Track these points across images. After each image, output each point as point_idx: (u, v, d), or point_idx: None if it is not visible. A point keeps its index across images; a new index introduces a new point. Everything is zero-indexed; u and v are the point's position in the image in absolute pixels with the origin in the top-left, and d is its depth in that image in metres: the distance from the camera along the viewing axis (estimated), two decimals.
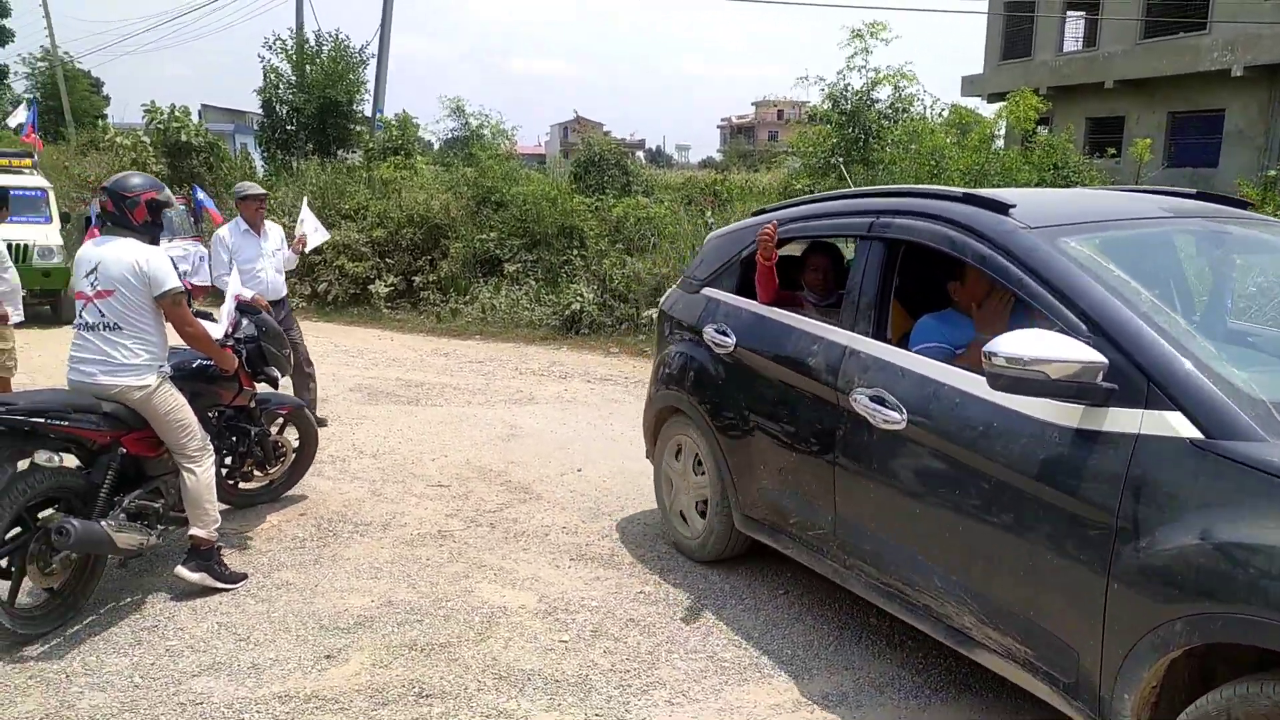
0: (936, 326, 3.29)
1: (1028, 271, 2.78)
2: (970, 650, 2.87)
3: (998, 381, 2.48)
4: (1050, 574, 2.52)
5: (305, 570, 4.22)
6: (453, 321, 11.80)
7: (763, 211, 4.39)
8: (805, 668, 3.40)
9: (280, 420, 5.04)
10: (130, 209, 3.83)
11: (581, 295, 11.00)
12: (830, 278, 4.15)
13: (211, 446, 4.05)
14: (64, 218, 12.47)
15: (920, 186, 3.53)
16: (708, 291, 4.31)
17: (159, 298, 3.78)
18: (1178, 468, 2.26)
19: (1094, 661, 2.41)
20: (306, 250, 6.74)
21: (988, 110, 17.38)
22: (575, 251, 12.04)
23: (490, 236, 12.60)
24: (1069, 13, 24.26)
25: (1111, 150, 16.87)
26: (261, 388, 4.82)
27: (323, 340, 10.13)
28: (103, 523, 3.58)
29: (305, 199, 7.59)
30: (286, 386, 5.63)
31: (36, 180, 12.27)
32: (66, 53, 38.42)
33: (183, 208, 12.99)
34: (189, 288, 4.83)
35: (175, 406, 3.85)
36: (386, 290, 12.66)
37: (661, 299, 4.97)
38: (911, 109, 14.14)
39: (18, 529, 3.52)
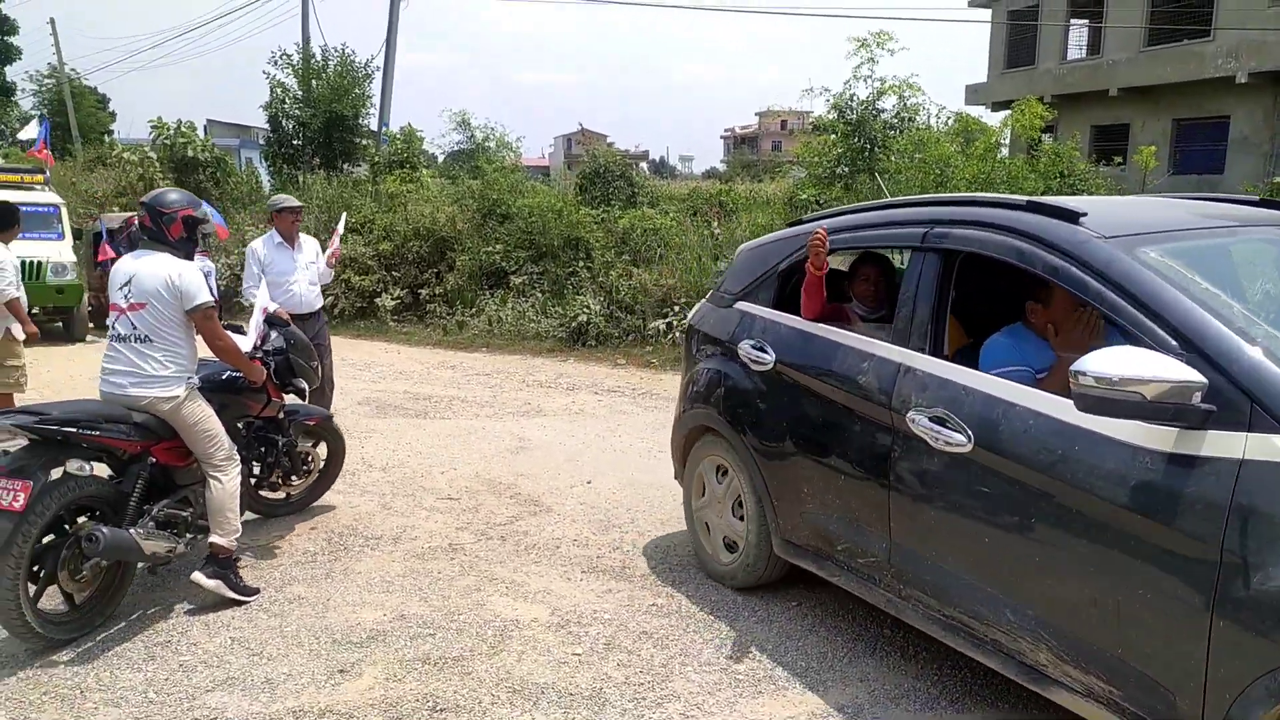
0: (1013, 346, 3.09)
1: (1108, 284, 2.61)
2: (1045, 688, 2.70)
3: (1085, 402, 2.32)
4: (1142, 609, 2.36)
5: (317, 584, 4.22)
6: (459, 334, 11.82)
7: (799, 222, 4.23)
8: (820, 680, 3.39)
9: (308, 431, 5.11)
10: (167, 225, 3.93)
11: (588, 307, 11.01)
12: (881, 289, 3.98)
13: (238, 457, 4.13)
14: (75, 234, 12.50)
15: (978, 195, 3.36)
16: (742, 306, 4.13)
17: (190, 311, 3.87)
18: None
19: (1194, 704, 2.26)
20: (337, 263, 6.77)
21: (992, 119, 17.40)
22: (581, 263, 12.07)
23: (496, 249, 12.64)
24: (1072, 21, 24.30)
25: (1118, 159, 16.88)
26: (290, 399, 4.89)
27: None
28: (131, 530, 3.67)
29: (344, 214, 7.56)
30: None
31: (49, 196, 12.28)
32: (73, 69, 38.73)
33: None
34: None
35: (203, 417, 3.93)
36: (393, 303, 12.71)
37: (690, 313, 4.75)
38: (917, 119, 14.17)
39: (51, 536, 3.60)
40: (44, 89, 39.42)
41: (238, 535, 4.07)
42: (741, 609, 3.96)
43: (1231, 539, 2.17)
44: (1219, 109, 20.06)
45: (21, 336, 6.04)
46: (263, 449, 4.72)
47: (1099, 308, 2.67)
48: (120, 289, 3.87)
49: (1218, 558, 2.18)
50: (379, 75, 21.06)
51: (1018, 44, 25.20)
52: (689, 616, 3.90)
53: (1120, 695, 2.46)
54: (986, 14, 26.12)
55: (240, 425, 4.53)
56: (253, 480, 4.75)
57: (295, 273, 6.10)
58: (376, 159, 17.54)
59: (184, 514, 4.01)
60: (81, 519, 3.71)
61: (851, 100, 14.38)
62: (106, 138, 31.87)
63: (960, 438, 2.83)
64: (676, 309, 10.52)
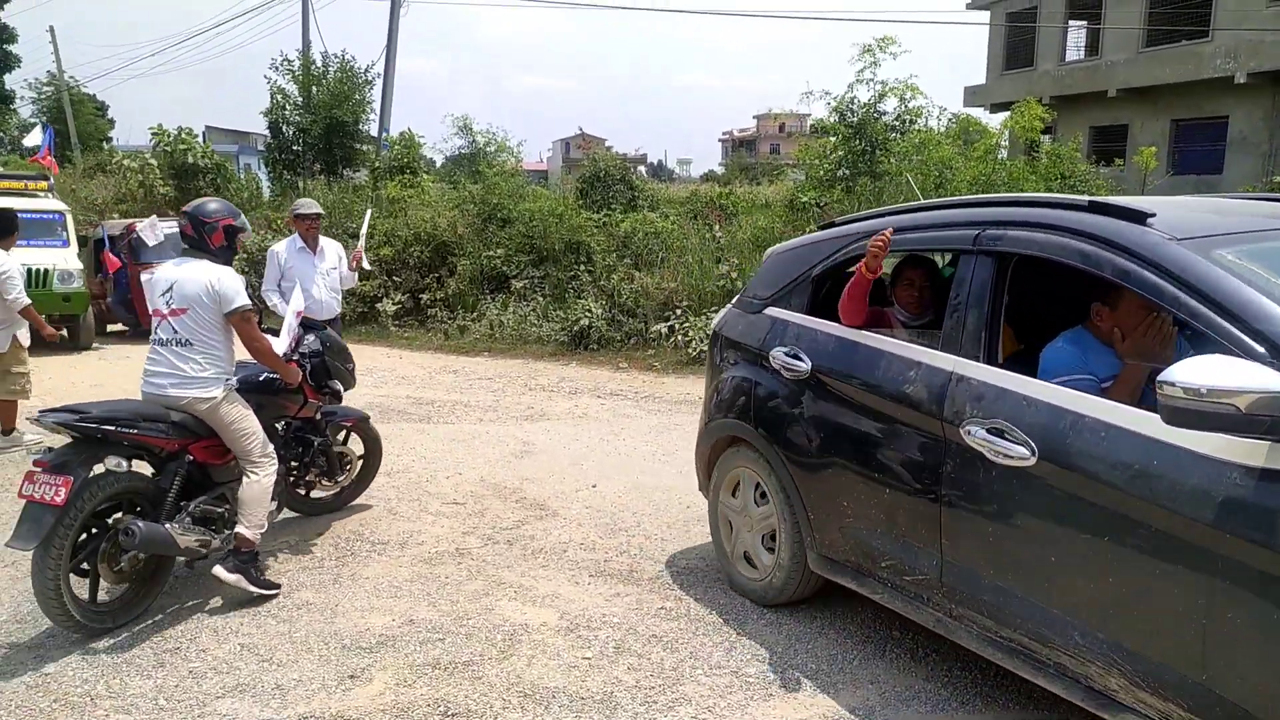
0: (1077, 353, 2.92)
1: (1185, 288, 2.47)
2: (1115, 715, 2.56)
3: (1173, 415, 2.18)
4: (1232, 635, 2.22)
5: (325, 590, 4.22)
6: (461, 339, 11.83)
7: (830, 225, 4.08)
8: (830, 682, 3.38)
9: (345, 431, 5.24)
10: (209, 234, 4.07)
11: (590, 311, 11.02)
12: (926, 294, 3.79)
13: (275, 454, 4.22)
14: (80, 241, 12.43)
15: (1033, 195, 3.18)
16: (773, 311, 3.96)
17: (229, 314, 4.00)
18: None
19: None
20: (365, 265, 6.75)
21: (991, 121, 17.44)
22: (583, 267, 12.08)
23: (497, 253, 12.65)
24: (1071, 22, 24.35)
25: (1118, 160, 16.90)
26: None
27: None
28: (168, 525, 3.79)
29: (369, 210, 7.52)
30: None
31: (54, 204, 12.17)
32: (72, 77, 38.74)
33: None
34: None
35: (240, 417, 4.05)
36: (394, 308, 12.72)
37: (714, 320, 4.56)
38: (918, 121, 14.19)
39: (91, 529, 3.73)
40: (43, 97, 39.44)
41: (263, 531, 4.15)
42: (750, 612, 3.95)
43: None
44: (1218, 109, 20.11)
45: (28, 343, 6.04)
46: (300, 449, 4.82)
47: (1176, 313, 2.53)
48: (162, 295, 3.99)
49: None
50: (379, 81, 21.12)
51: (1016, 45, 25.25)
52: (698, 620, 3.90)
53: None
54: (985, 16, 26.19)
55: (278, 425, 4.63)
56: (290, 479, 4.83)
57: (314, 278, 6.12)
58: (377, 164, 17.57)
59: (220, 510, 4.12)
60: (120, 514, 3.82)
61: (852, 103, 14.40)
62: (105, 145, 31.92)
63: (1022, 451, 2.69)
64: (678, 312, 10.54)
